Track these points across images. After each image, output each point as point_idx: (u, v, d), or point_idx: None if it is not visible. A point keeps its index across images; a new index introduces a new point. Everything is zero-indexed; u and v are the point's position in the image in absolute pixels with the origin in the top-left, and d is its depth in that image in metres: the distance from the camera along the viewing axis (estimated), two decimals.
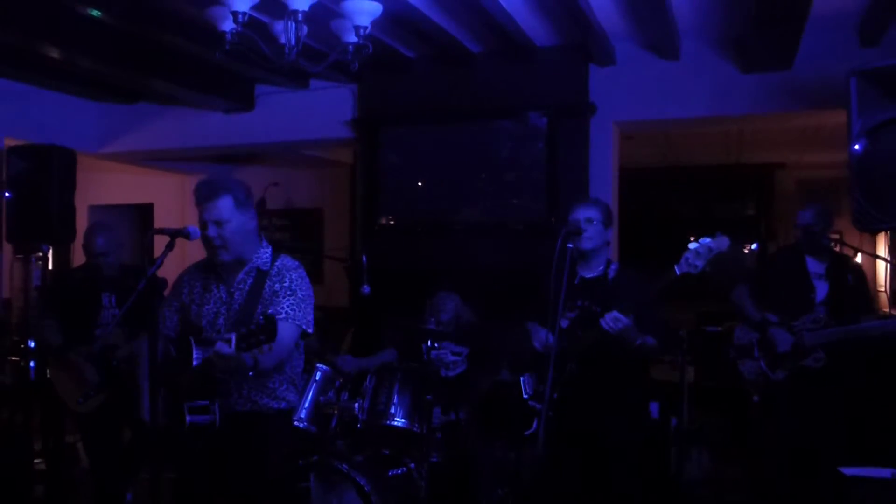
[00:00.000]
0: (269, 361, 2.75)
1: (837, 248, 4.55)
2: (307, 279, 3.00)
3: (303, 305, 2.90)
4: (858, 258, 9.44)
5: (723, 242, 3.05)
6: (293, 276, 2.94)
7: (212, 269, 3.01)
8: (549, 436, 3.05)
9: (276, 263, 2.98)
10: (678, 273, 3.10)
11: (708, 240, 3.06)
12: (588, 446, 3.47)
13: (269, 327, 2.53)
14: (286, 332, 2.78)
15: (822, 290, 4.21)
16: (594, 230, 3.49)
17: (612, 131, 5.62)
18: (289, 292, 2.89)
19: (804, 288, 4.22)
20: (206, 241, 2.87)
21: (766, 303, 4.30)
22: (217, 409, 2.79)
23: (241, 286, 2.94)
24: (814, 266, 4.28)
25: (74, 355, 4.16)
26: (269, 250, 3.01)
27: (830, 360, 4.03)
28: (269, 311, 2.81)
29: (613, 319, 3.17)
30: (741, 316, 4.41)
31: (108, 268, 4.30)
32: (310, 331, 2.93)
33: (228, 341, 2.56)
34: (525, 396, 3.50)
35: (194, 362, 2.72)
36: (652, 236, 8.76)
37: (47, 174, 4.45)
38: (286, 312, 2.83)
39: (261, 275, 2.94)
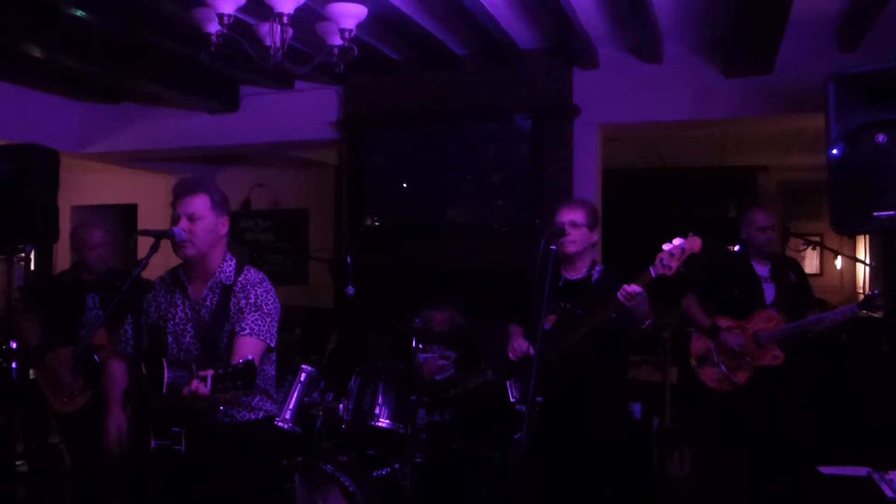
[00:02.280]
0: (243, 398, 2.78)
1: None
2: (273, 292, 2.97)
3: (268, 320, 2.87)
4: (839, 261, 9.59)
5: (695, 243, 3.06)
6: (258, 292, 2.90)
7: (176, 283, 2.98)
8: (534, 437, 3.05)
9: (240, 278, 2.93)
10: (654, 275, 3.11)
11: (681, 240, 3.07)
12: (571, 447, 3.49)
13: (248, 375, 2.48)
14: (252, 348, 2.76)
15: (770, 292, 4.40)
16: (578, 233, 3.46)
17: (596, 133, 5.66)
18: (254, 308, 2.86)
19: (755, 292, 4.40)
20: (176, 234, 2.83)
21: (717, 308, 4.41)
22: (184, 434, 2.71)
23: (206, 303, 2.91)
24: (759, 269, 4.46)
25: (50, 357, 4.23)
26: (232, 263, 2.97)
27: (788, 356, 4.23)
28: (236, 328, 2.81)
29: (628, 297, 3.12)
30: (693, 325, 4.53)
31: (100, 261, 4.41)
32: (273, 345, 2.90)
33: (204, 380, 2.48)
34: (512, 400, 3.51)
35: (165, 386, 2.64)
36: (636, 238, 8.82)
37: (30, 174, 4.40)
38: (251, 329, 2.81)
39: (225, 290, 2.90)
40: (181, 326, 2.91)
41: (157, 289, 3.03)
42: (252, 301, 2.87)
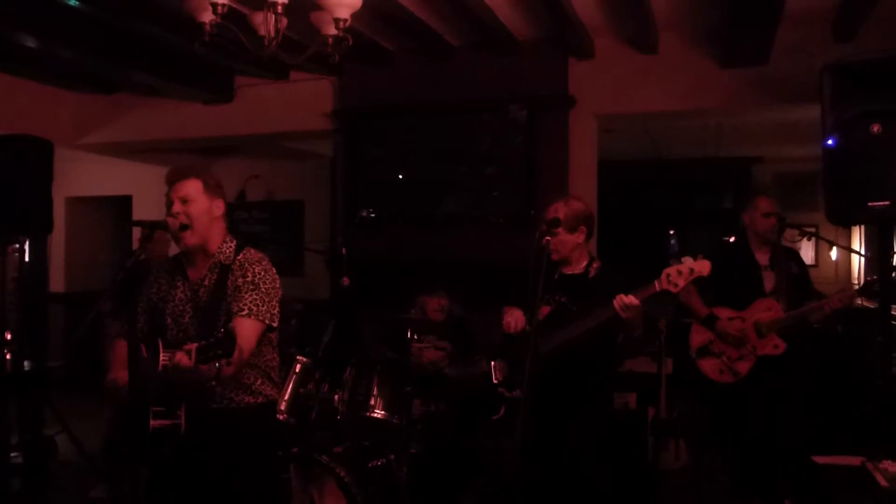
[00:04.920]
0: (232, 370, 2.70)
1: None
2: (272, 271, 2.92)
3: (266, 299, 2.82)
4: (833, 252, 9.61)
5: (704, 266, 3.02)
6: (256, 270, 2.85)
7: (177, 266, 2.96)
8: (525, 427, 3.02)
9: (238, 257, 2.90)
10: (657, 289, 3.07)
11: (690, 260, 3.03)
12: (559, 436, 3.48)
13: (227, 343, 2.45)
14: (249, 329, 2.73)
15: (769, 280, 4.40)
16: (556, 241, 3.35)
17: (592, 124, 5.66)
18: (251, 286, 2.81)
19: (755, 280, 4.40)
20: (172, 221, 2.80)
21: (717, 297, 4.42)
22: (183, 414, 2.69)
23: (204, 283, 2.88)
24: (759, 258, 4.47)
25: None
26: (232, 244, 2.94)
27: (789, 345, 4.23)
28: (233, 307, 2.77)
29: (625, 307, 3.08)
30: (690, 313, 4.52)
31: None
32: (274, 325, 2.86)
33: (189, 353, 2.47)
34: (495, 382, 3.49)
35: (160, 364, 2.61)
36: (632, 229, 8.83)
37: (24, 165, 4.40)
38: (248, 308, 2.77)
39: (223, 270, 2.86)
40: (180, 307, 2.89)
41: (159, 272, 3.02)
42: (249, 279, 2.82)
